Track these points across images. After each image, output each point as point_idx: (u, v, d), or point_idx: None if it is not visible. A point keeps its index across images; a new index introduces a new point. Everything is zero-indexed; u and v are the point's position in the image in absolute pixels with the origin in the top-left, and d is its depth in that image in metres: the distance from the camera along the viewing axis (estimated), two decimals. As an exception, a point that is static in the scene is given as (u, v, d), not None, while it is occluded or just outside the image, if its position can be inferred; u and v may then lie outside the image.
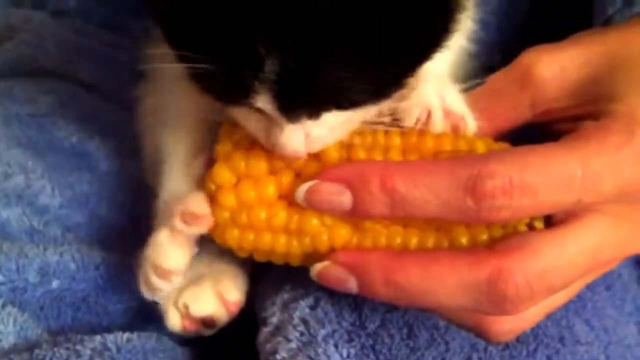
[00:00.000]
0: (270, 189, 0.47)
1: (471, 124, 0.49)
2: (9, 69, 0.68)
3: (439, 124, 0.47)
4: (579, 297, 0.52)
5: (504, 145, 0.48)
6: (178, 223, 0.47)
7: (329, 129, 0.45)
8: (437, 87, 0.48)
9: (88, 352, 0.51)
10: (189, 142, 0.54)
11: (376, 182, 0.44)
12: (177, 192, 0.51)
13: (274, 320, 0.52)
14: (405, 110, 0.47)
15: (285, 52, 0.40)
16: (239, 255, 0.51)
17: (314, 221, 0.47)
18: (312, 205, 0.46)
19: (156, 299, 0.51)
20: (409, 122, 0.47)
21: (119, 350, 0.52)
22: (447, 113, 0.48)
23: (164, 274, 0.49)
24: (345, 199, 0.45)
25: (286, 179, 0.47)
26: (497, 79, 0.51)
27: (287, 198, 0.47)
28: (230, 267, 0.56)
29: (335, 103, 0.44)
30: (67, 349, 0.51)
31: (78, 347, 0.51)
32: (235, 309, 0.55)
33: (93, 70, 0.69)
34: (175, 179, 0.52)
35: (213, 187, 0.48)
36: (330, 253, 0.47)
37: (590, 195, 0.44)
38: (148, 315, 0.57)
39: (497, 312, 0.45)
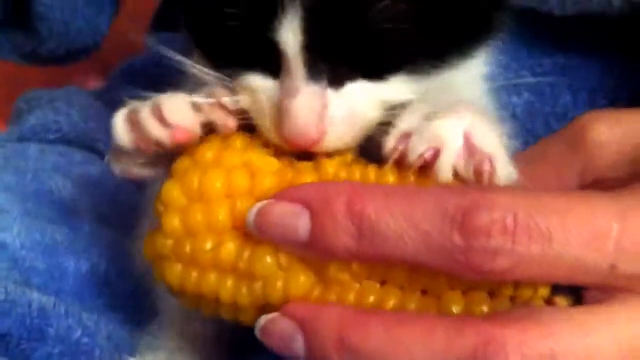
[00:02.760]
0: (222, 215, 0.37)
1: (503, 170, 0.35)
2: (32, 134, 0.64)
3: (446, 169, 0.34)
4: None
5: None
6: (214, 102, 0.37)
7: (349, 112, 0.36)
8: (467, 122, 0.36)
9: None
10: None
11: (341, 204, 0.33)
12: None
13: None
14: (413, 142, 0.36)
15: None
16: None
17: (267, 260, 0.36)
18: (262, 231, 0.35)
19: (124, 142, 0.38)
20: (410, 157, 0.35)
21: None
22: (472, 152, 0.35)
23: (160, 118, 0.37)
24: (302, 223, 0.34)
25: (243, 204, 0.37)
26: (547, 141, 0.41)
27: (243, 230, 0.37)
28: None
29: (363, 64, 0.36)
30: None
31: None
32: None
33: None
34: None
35: (161, 208, 0.38)
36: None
37: (631, 262, 0.31)
38: None
39: None
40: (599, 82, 0.55)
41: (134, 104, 0.39)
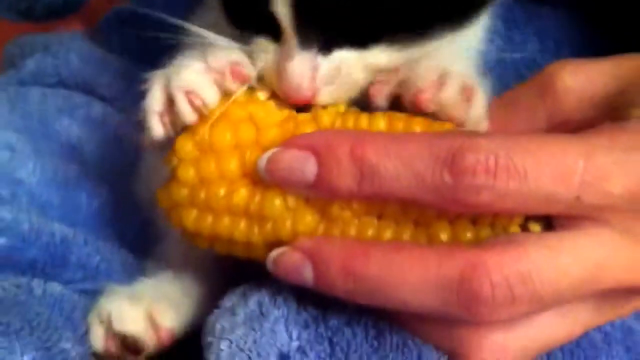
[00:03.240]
0: (233, 164, 0.40)
1: (481, 97, 0.41)
2: (32, 78, 0.66)
3: (452, 91, 0.40)
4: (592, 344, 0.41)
5: None
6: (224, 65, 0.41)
7: (337, 74, 0.41)
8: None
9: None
10: None
11: (345, 149, 0.37)
12: None
13: (228, 303, 0.43)
14: (416, 75, 0.40)
15: None
16: (200, 273, 0.48)
17: (276, 202, 0.39)
18: (272, 176, 0.39)
19: (160, 134, 0.41)
20: (420, 83, 0.40)
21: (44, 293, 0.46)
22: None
23: (197, 104, 0.40)
24: (309, 166, 0.37)
25: (251, 154, 0.40)
26: (516, 88, 0.45)
27: (252, 177, 0.40)
28: (181, 292, 0.49)
29: (349, 32, 0.40)
30: None
31: None
32: (166, 336, 0.47)
33: (113, 86, 0.65)
34: None
35: (175, 160, 0.41)
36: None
37: (593, 194, 0.36)
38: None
39: (469, 317, 0.36)
40: (565, 33, 0.59)
41: (159, 84, 0.42)
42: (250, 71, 0.42)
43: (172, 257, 0.52)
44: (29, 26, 0.80)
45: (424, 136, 0.37)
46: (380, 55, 0.42)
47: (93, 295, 0.49)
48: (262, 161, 0.39)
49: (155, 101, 0.42)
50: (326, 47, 0.41)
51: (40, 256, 0.49)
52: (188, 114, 0.41)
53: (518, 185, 0.35)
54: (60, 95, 0.64)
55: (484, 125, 0.42)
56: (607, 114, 0.41)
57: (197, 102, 0.40)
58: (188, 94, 0.41)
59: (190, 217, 0.41)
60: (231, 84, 0.41)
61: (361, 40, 0.41)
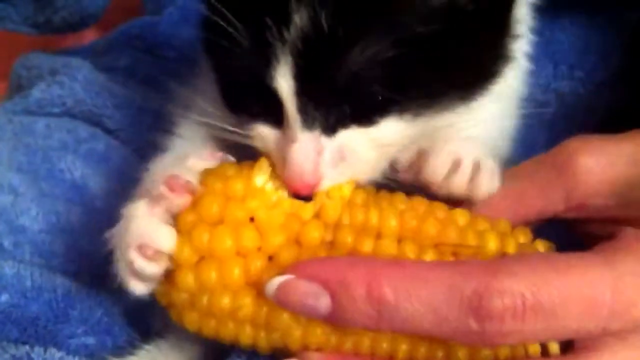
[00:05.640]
0: (236, 273, 0.37)
1: (486, 186, 0.39)
2: (38, 107, 0.63)
3: (462, 181, 0.39)
4: None
5: (522, 238, 0.39)
6: (162, 189, 0.38)
7: (343, 156, 0.38)
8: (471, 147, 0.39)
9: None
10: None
11: (361, 289, 0.34)
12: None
13: None
14: (429, 165, 0.39)
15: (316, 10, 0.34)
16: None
17: (284, 316, 0.37)
18: (283, 305, 0.36)
19: (142, 291, 0.39)
20: (433, 176, 0.39)
21: None
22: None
23: (152, 254, 0.38)
24: (322, 303, 0.35)
25: (255, 263, 0.37)
26: (534, 161, 0.42)
27: (256, 286, 0.37)
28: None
29: (354, 109, 0.38)
30: None
31: None
32: None
33: (118, 117, 0.62)
34: (170, 160, 0.43)
35: (172, 264, 0.38)
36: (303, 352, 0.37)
37: (619, 321, 0.34)
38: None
39: None
40: (578, 57, 0.58)
41: (117, 248, 0.40)
42: (188, 178, 0.39)
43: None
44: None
45: (445, 274, 0.35)
46: (390, 131, 0.39)
47: (93, 352, 0.47)
48: (272, 287, 0.36)
49: (122, 269, 0.39)
50: (330, 128, 0.38)
51: (42, 313, 0.47)
52: (148, 268, 0.38)
53: (546, 324, 0.34)
54: (65, 127, 0.61)
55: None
56: (628, 204, 0.39)
57: (150, 252, 0.38)
58: (141, 249, 0.38)
59: (192, 319, 0.39)
60: (178, 200, 0.38)
61: (367, 115, 0.38)
